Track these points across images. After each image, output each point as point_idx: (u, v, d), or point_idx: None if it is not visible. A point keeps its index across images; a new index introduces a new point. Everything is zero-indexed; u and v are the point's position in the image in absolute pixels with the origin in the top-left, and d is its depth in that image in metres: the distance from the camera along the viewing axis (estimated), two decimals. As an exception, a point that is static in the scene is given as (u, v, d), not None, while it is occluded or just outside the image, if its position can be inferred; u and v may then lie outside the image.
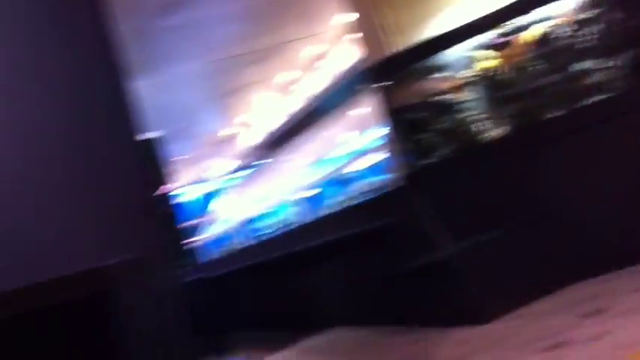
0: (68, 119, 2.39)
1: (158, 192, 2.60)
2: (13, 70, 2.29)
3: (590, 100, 3.54)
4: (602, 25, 3.54)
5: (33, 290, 1.68)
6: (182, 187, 10.82)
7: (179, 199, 9.56)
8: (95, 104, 2.53)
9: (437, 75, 3.92)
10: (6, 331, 1.55)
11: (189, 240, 8.89)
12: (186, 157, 9.68)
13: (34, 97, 2.33)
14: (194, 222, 11.47)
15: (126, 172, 2.51)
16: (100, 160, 2.45)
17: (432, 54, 3.95)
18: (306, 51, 7.00)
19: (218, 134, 9.67)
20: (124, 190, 2.47)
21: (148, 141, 2.89)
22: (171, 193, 2.70)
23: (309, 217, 7.62)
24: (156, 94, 4.75)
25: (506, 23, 3.79)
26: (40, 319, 1.67)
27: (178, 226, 2.67)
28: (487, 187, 3.57)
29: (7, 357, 1.58)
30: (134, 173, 2.56)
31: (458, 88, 3.90)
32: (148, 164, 2.71)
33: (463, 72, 3.95)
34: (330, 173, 7.32)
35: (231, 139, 10.05)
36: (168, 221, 2.62)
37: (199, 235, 10.94)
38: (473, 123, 3.92)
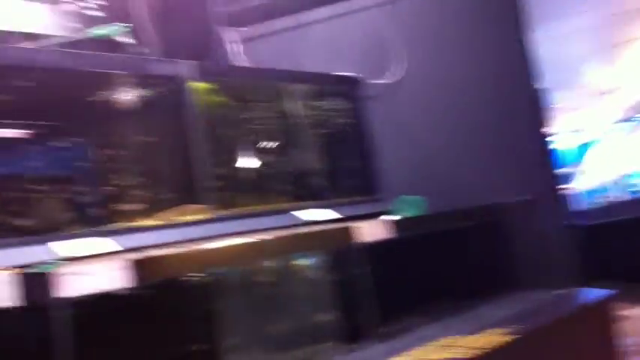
0: (479, 74, 2.83)
1: (546, 138, 2.88)
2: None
3: None
4: None
5: (449, 215, 2.28)
6: (560, 135, 10.85)
7: (556, 146, 9.61)
8: (500, 56, 2.87)
9: None
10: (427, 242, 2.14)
11: (564, 187, 8.81)
12: (566, 106, 9.67)
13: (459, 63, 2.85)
14: (568, 170, 11.39)
15: (524, 119, 2.82)
16: (502, 108, 2.82)
17: None
18: None
19: (601, 86, 9.39)
20: (522, 135, 2.81)
21: (540, 90, 3.17)
22: (552, 140, 2.91)
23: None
24: (547, 46, 4.95)
25: None
26: (448, 236, 2.23)
27: (557, 172, 2.88)
28: None
29: (417, 254, 2.13)
30: (531, 120, 2.84)
31: None
32: (541, 112, 2.99)
33: None
34: None
35: (614, 91, 9.63)
36: (551, 166, 2.90)
37: (571, 183, 10.91)
38: None
